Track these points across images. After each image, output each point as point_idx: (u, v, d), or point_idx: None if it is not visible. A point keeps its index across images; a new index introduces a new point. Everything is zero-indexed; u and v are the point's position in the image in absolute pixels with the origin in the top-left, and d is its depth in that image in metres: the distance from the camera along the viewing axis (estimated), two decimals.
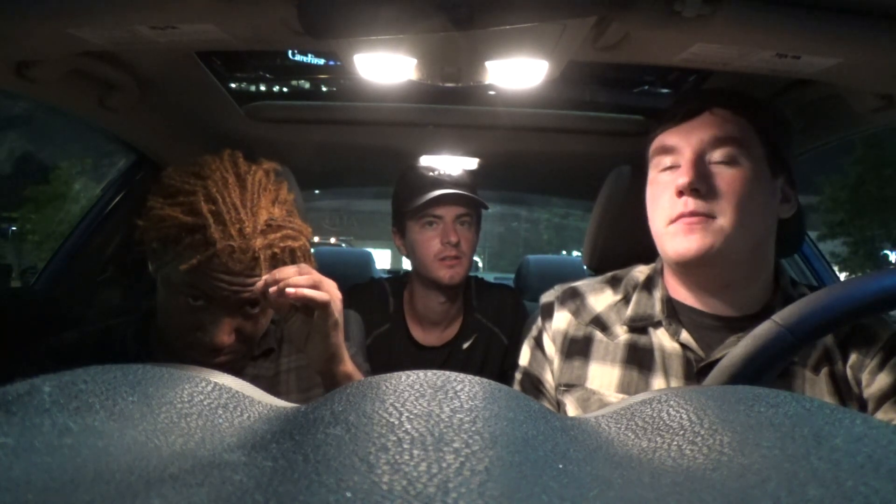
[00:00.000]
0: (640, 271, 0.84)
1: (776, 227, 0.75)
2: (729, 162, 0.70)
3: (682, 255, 0.70)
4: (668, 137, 0.74)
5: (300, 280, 0.67)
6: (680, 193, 0.70)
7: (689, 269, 0.74)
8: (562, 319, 0.84)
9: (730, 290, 0.74)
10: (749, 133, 0.71)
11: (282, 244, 0.72)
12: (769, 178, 0.72)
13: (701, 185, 0.69)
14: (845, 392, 0.69)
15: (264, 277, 0.68)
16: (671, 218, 0.71)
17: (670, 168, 0.74)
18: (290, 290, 0.66)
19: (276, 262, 0.72)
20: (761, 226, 0.71)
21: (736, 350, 0.51)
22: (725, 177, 0.70)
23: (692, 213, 0.69)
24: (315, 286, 0.68)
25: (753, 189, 0.70)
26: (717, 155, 0.71)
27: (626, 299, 0.82)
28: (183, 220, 0.68)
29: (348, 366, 0.74)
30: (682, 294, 0.77)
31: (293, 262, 0.74)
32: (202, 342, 0.72)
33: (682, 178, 0.69)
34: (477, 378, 0.25)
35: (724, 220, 0.68)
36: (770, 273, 0.76)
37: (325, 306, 0.69)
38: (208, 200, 0.69)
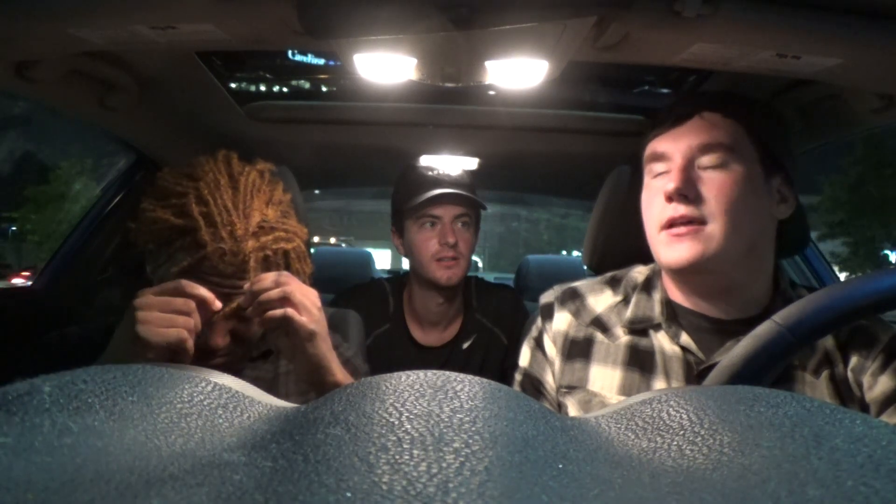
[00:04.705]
0: (639, 272, 0.84)
1: (774, 229, 0.75)
2: (718, 166, 0.70)
3: (674, 264, 0.71)
4: (658, 144, 0.75)
5: (272, 294, 0.66)
6: (669, 199, 0.70)
7: (685, 275, 0.74)
8: (562, 320, 0.84)
9: (728, 294, 0.74)
10: (739, 135, 0.71)
11: (274, 246, 0.72)
12: (762, 180, 0.72)
13: (689, 191, 0.69)
14: (846, 395, 0.69)
15: (246, 286, 0.67)
16: (662, 223, 0.71)
17: (661, 174, 0.75)
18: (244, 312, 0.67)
19: (268, 264, 0.71)
20: (754, 228, 0.71)
21: (736, 350, 0.51)
22: (715, 181, 0.70)
23: (682, 218, 0.69)
24: (285, 298, 0.66)
25: (744, 192, 0.69)
26: (706, 160, 0.71)
27: (625, 300, 0.82)
28: (174, 223, 0.68)
29: (338, 375, 0.72)
30: (681, 297, 0.77)
31: (286, 264, 0.74)
32: (197, 344, 0.72)
33: (670, 183, 0.70)
34: (477, 378, 0.25)
35: (714, 226, 0.68)
36: (769, 275, 0.75)
37: (287, 321, 0.66)
38: (199, 202, 0.69)
